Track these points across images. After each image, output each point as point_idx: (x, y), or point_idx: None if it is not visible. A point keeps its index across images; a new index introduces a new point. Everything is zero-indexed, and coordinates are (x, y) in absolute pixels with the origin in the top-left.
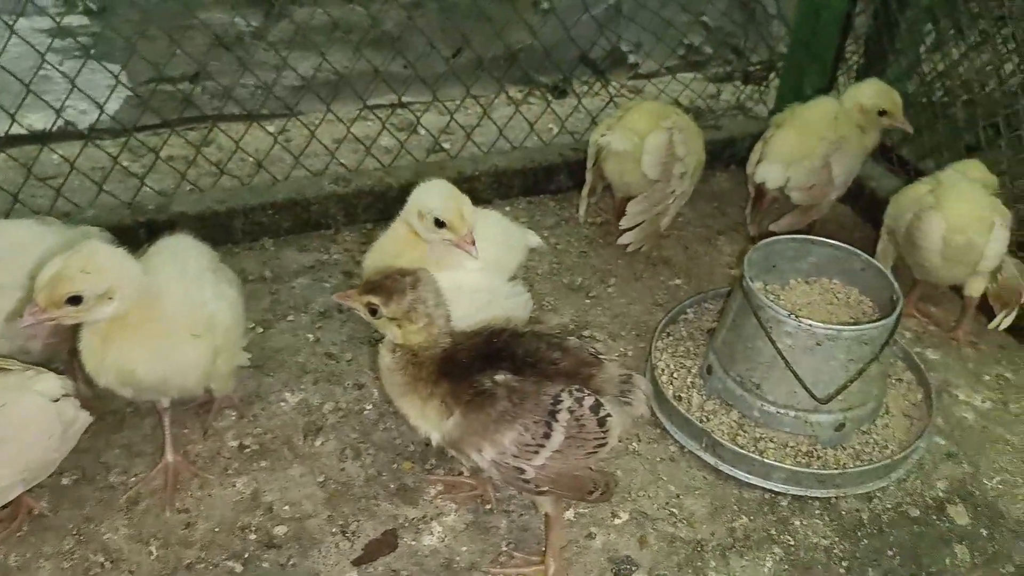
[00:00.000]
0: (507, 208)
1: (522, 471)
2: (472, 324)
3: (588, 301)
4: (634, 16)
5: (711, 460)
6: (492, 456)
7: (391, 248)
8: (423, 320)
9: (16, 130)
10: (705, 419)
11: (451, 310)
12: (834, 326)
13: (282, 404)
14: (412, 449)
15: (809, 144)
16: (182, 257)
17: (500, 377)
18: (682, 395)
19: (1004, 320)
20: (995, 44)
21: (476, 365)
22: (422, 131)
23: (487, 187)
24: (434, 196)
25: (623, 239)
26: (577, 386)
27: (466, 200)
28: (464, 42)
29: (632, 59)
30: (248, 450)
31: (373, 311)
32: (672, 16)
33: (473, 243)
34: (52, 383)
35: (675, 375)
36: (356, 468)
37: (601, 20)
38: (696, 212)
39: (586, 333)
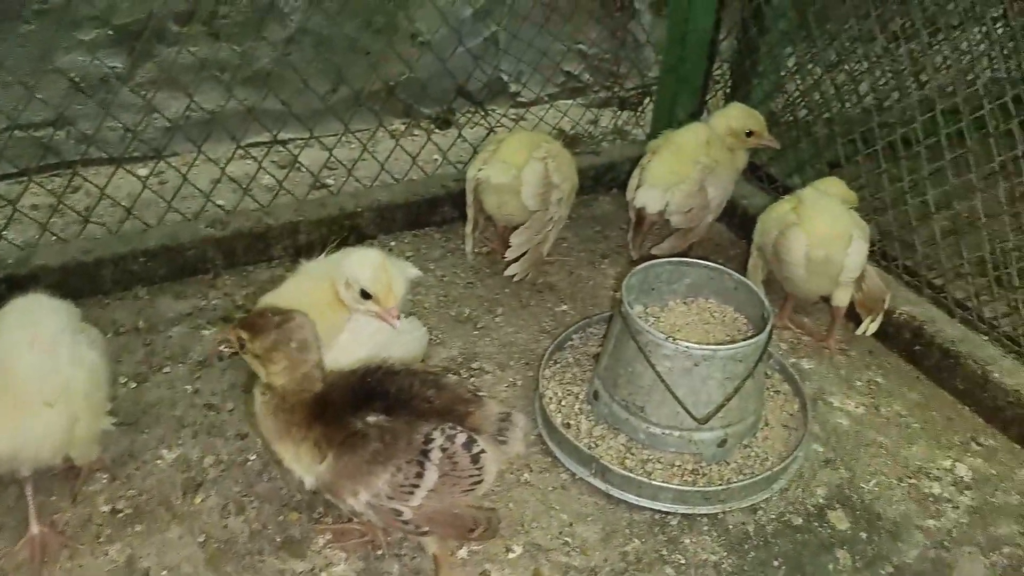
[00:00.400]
0: (392, 243)
1: (399, 512)
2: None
3: (476, 332)
4: (509, 47)
5: (601, 486)
6: (367, 499)
7: (305, 305)
8: (282, 363)
9: None
10: (594, 445)
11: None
12: (709, 346)
13: (158, 462)
14: (299, 498)
15: (684, 169)
16: (35, 319)
17: (372, 418)
18: (571, 422)
19: (870, 326)
20: (850, 65)
21: (348, 406)
22: (304, 169)
23: (370, 222)
24: (364, 268)
25: (509, 271)
26: (450, 424)
27: (396, 272)
28: (339, 77)
29: (513, 88)
30: (122, 514)
31: (242, 344)
32: (548, 45)
33: (397, 316)
34: None
35: (563, 402)
36: (239, 523)
37: (478, 52)
38: (579, 237)
39: (475, 365)
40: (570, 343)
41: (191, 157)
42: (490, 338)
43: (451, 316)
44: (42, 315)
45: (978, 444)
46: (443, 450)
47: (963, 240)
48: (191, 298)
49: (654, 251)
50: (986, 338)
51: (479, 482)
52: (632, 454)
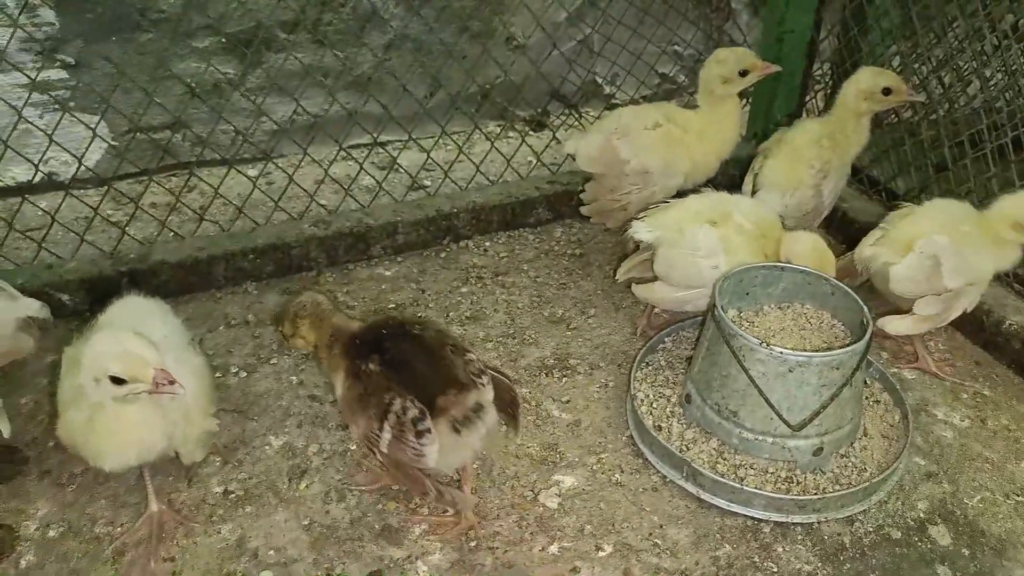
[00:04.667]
0: (487, 244)
1: (375, 450)
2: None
3: (569, 333)
4: (603, 50)
5: (693, 489)
6: (357, 431)
7: None
8: (304, 325)
9: None
10: (685, 448)
11: None
12: (805, 353)
13: (266, 448)
14: (396, 489)
15: (800, 172)
16: (142, 324)
17: (373, 365)
18: (662, 424)
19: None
20: (958, 65)
21: (368, 347)
22: (403, 170)
23: (466, 223)
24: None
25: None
26: (411, 397)
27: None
28: (435, 82)
29: (607, 90)
30: (233, 495)
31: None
32: (642, 48)
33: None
34: None
35: (655, 404)
36: (340, 510)
37: (572, 55)
38: None
39: (567, 365)
40: (662, 345)
41: (296, 159)
42: (582, 339)
43: (544, 316)
44: (149, 320)
45: None
46: (396, 416)
47: None
48: (296, 294)
49: None
50: None
51: (420, 456)
52: (724, 459)
